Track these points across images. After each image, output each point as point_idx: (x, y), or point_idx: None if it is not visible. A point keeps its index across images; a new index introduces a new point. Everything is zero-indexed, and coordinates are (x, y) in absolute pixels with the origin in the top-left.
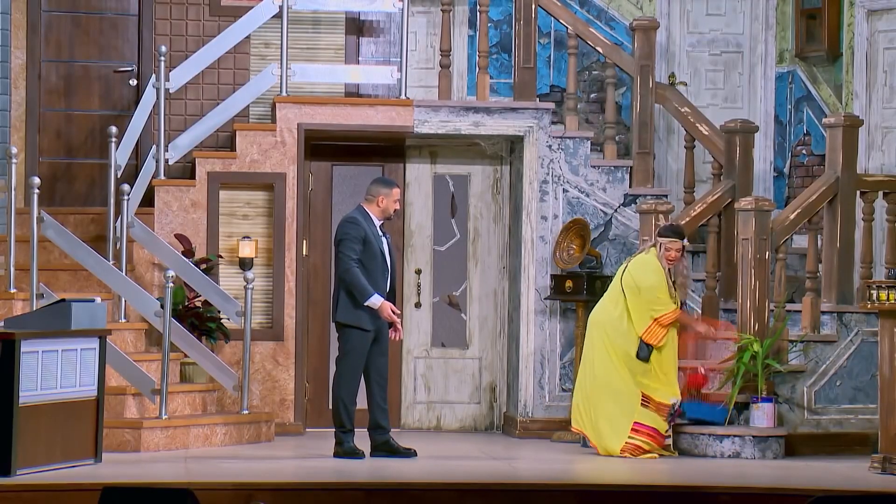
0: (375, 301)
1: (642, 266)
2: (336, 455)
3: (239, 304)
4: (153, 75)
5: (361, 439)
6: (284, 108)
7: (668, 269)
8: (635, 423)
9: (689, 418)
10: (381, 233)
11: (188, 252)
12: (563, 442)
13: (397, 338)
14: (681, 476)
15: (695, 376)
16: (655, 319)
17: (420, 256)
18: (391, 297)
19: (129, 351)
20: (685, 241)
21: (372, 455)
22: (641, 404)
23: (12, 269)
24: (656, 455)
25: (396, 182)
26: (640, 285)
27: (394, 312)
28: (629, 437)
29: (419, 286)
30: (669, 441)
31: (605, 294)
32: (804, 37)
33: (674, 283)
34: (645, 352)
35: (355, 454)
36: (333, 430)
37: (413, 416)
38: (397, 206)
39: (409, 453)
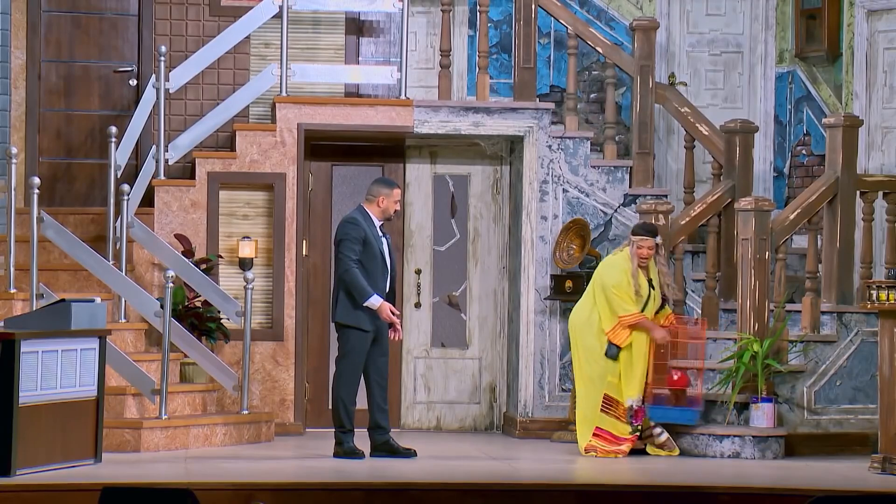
0: (375, 302)
1: (609, 265)
2: (336, 455)
3: (239, 304)
4: (153, 75)
5: (361, 439)
6: (284, 108)
7: (638, 268)
8: (596, 427)
9: (656, 422)
10: (381, 233)
11: (188, 252)
12: (563, 442)
13: (397, 338)
14: (681, 476)
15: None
16: (619, 320)
17: (420, 256)
18: (391, 297)
19: (129, 351)
20: (658, 238)
21: (372, 455)
22: (602, 409)
23: (12, 269)
24: (618, 454)
25: (397, 183)
26: (604, 283)
27: (393, 313)
28: (590, 440)
29: (419, 286)
30: (663, 437)
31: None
32: (804, 37)
33: (649, 281)
34: (612, 351)
35: (355, 454)
36: (333, 430)
37: (413, 416)
38: (398, 207)
39: (409, 453)
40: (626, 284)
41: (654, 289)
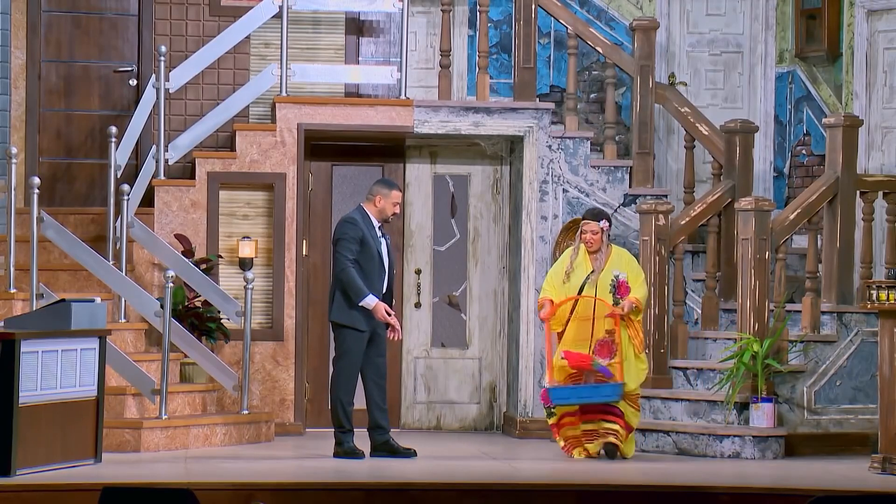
0: (370, 302)
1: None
2: (336, 455)
3: (239, 304)
4: (153, 75)
5: (361, 439)
6: (284, 108)
7: (585, 254)
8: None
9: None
10: (380, 234)
11: (188, 252)
12: None
13: (395, 338)
14: (681, 476)
15: (572, 355)
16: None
17: (420, 256)
18: (388, 298)
19: (129, 351)
20: (602, 223)
21: (372, 455)
22: None
23: (12, 269)
24: (582, 453)
25: (398, 185)
26: None
27: (388, 314)
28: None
29: (419, 286)
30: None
31: None
32: (804, 37)
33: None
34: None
35: (355, 454)
36: (333, 430)
37: (413, 416)
38: (396, 210)
39: (408, 453)
40: (552, 272)
41: (594, 274)
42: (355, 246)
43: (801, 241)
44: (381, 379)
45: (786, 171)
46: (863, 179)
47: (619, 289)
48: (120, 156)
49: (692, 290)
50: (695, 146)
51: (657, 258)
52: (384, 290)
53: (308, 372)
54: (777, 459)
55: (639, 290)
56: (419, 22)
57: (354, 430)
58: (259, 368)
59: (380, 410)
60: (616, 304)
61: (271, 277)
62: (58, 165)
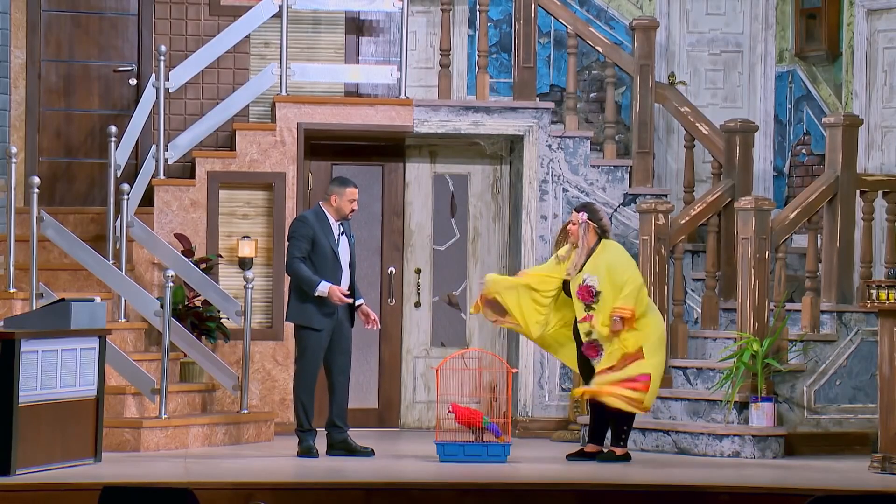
0: (323, 289)
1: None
2: (298, 454)
3: (239, 304)
4: (153, 75)
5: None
6: (284, 108)
7: (571, 246)
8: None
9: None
10: (339, 232)
11: (188, 252)
12: (563, 442)
13: (373, 327)
14: (681, 476)
15: (461, 410)
16: None
17: (420, 256)
18: (350, 297)
19: (128, 351)
20: (580, 214)
21: (328, 454)
22: None
23: (12, 268)
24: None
25: (354, 182)
26: None
27: (345, 295)
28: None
29: (419, 286)
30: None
31: None
32: (804, 36)
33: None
34: None
35: (310, 454)
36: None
37: (413, 416)
38: (354, 207)
39: (365, 452)
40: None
41: (571, 273)
42: (305, 244)
43: (800, 241)
44: (342, 376)
45: (786, 170)
46: (863, 179)
47: (580, 292)
48: (120, 155)
49: (692, 290)
50: (695, 146)
51: (657, 258)
52: (347, 290)
53: None
54: (777, 459)
55: (624, 298)
56: (419, 21)
57: (315, 429)
58: (259, 368)
59: (339, 409)
60: (588, 308)
61: (271, 277)
62: (58, 165)
